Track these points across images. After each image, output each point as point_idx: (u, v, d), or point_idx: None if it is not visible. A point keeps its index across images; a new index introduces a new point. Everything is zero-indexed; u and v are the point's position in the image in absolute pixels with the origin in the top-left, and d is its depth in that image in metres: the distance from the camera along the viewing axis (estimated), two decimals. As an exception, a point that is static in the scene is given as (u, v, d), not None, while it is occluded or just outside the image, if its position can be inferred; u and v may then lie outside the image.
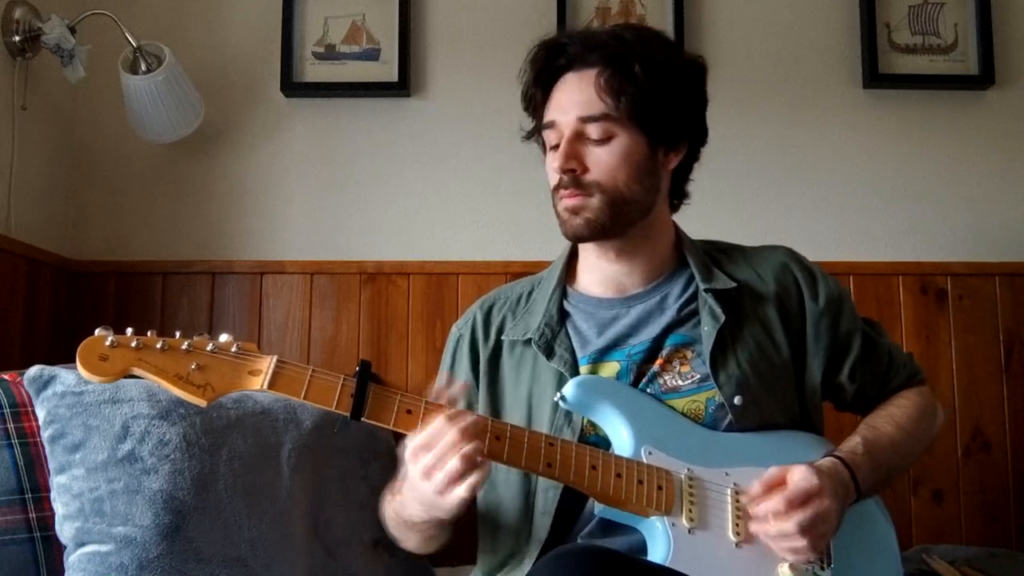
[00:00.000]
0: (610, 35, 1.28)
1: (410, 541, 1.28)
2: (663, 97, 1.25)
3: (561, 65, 1.29)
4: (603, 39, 1.27)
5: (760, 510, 1.13)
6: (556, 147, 1.27)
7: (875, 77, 2.17)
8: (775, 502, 1.12)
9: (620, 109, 1.23)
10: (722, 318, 1.27)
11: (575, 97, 1.26)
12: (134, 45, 1.99)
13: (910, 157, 2.19)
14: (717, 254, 1.38)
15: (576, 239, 1.30)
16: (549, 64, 1.30)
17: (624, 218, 1.26)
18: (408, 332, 2.12)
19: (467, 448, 1.05)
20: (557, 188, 1.28)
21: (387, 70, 2.18)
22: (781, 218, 2.16)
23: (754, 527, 1.14)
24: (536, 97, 1.32)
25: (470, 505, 1.27)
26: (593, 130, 1.24)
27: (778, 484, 1.14)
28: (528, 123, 1.36)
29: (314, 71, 2.19)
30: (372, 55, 2.19)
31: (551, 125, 1.28)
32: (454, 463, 1.04)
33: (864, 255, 2.15)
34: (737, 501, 1.17)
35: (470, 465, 1.05)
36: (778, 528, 1.11)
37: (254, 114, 2.20)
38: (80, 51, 1.95)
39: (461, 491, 1.04)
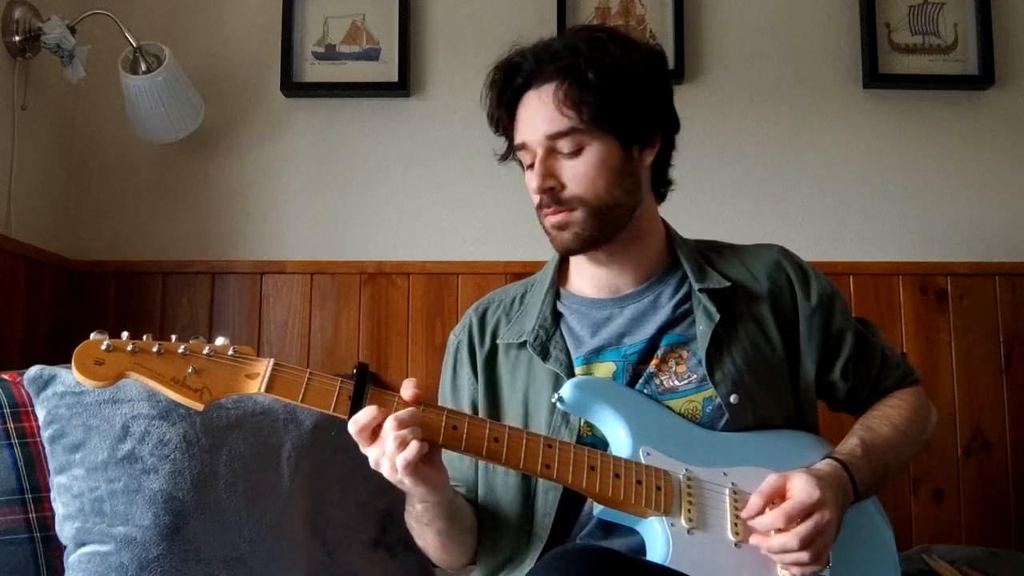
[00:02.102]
0: (562, 46, 1.27)
1: (430, 545, 1.29)
2: (625, 97, 1.24)
3: (520, 85, 1.29)
4: (555, 51, 1.26)
5: (759, 524, 1.13)
6: (530, 166, 1.27)
7: (875, 77, 2.17)
8: (775, 517, 1.11)
9: (584, 120, 1.22)
10: (717, 317, 1.27)
11: (538, 115, 1.25)
12: (134, 45, 1.99)
13: (910, 157, 2.19)
14: (709, 252, 1.38)
15: (567, 253, 1.30)
16: (508, 85, 1.30)
17: (611, 224, 1.27)
18: (408, 332, 2.12)
19: (399, 434, 1.07)
20: (540, 207, 1.28)
21: (387, 70, 2.18)
22: (781, 218, 2.16)
23: (755, 540, 1.13)
24: (502, 119, 1.32)
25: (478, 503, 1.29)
26: (563, 145, 1.24)
27: (777, 495, 1.13)
28: (502, 145, 1.36)
29: (314, 71, 2.19)
30: (372, 55, 2.19)
31: (522, 146, 1.28)
32: (389, 445, 1.07)
33: (864, 255, 2.15)
34: (735, 501, 1.17)
35: (402, 446, 1.07)
36: (780, 543, 1.10)
37: (254, 114, 2.20)
38: (80, 51, 1.95)
39: (400, 463, 1.07)
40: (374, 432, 1.09)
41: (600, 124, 1.23)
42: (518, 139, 1.29)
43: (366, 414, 1.09)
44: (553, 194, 1.25)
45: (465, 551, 1.30)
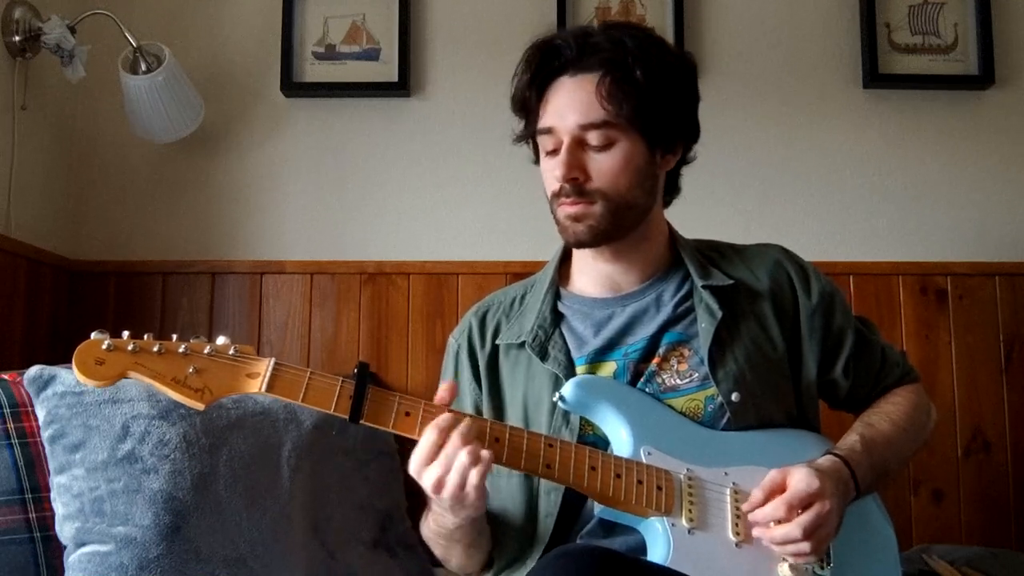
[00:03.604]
0: (607, 39, 1.26)
1: (454, 557, 1.28)
2: (662, 100, 1.24)
3: (556, 68, 1.27)
4: (601, 43, 1.25)
5: (760, 516, 1.13)
6: (552, 152, 1.26)
7: (875, 77, 2.17)
8: (776, 507, 1.12)
9: (622, 116, 1.22)
10: (719, 315, 1.27)
11: (574, 102, 1.24)
12: (134, 45, 1.99)
13: (910, 157, 2.19)
14: (711, 252, 1.38)
15: (578, 245, 1.30)
16: (544, 66, 1.28)
17: (625, 223, 1.26)
18: (408, 332, 2.12)
19: (471, 447, 1.06)
20: (557, 195, 1.26)
21: (387, 70, 2.18)
22: (781, 218, 2.16)
23: (757, 532, 1.14)
24: (530, 100, 1.29)
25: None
26: (593, 137, 1.23)
27: (778, 489, 1.14)
28: (517, 126, 1.34)
29: (314, 71, 2.19)
30: (372, 55, 2.19)
31: (548, 131, 1.26)
32: (462, 458, 1.05)
33: (864, 255, 2.15)
34: (736, 501, 1.17)
35: (476, 460, 1.06)
36: (783, 533, 1.11)
37: (254, 114, 2.20)
38: (80, 51, 1.95)
39: (474, 479, 1.05)
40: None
41: (634, 123, 1.23)
42: (545, 123, 1.27)
43: (430, 438, 1.07)
44: (576, 184, 1.24)
45: (484, 558, 1.30)
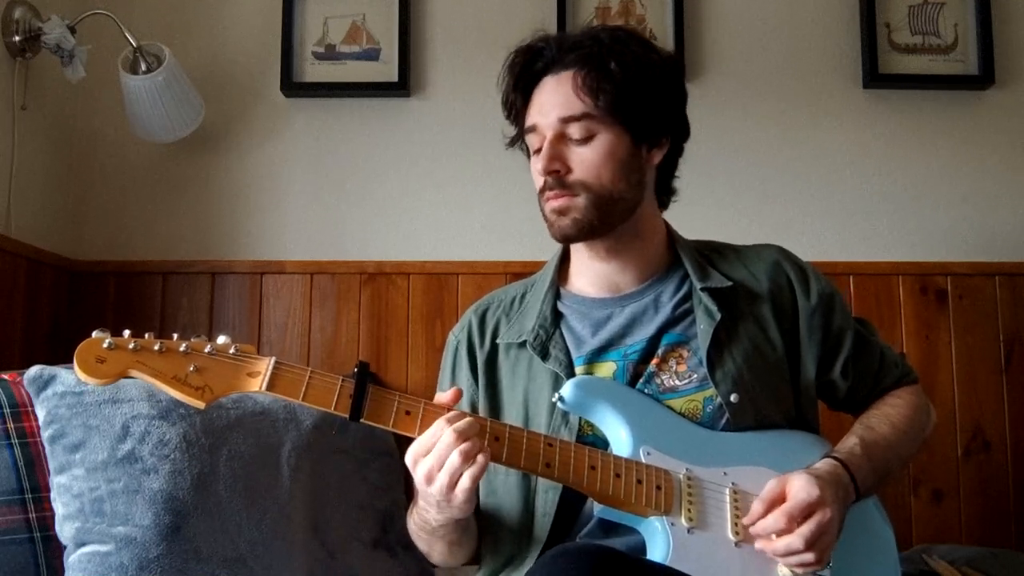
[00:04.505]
0: (585, 36, 1.29)
1: (436, 552, 1.29)
2: (641, 93, 1.25)
3: (539, 70, 1.29)
4: (578, 40, 1.28)
5: (762, 528, 1.13)
6: (539, 151, 1.27)
7: (875, 77, 2.17)
8: (776, 518, 1.11)
9: (599, 107, 1.23)
10: (718, 316, 1.27)
11: (554, 99, 1.26)
12: (134, 45, 1.99)
13: (910, 157, 2.19)
14: (710, 253, 1.38)
15: (564, 240, 1.30)
16: (527, 69, 1.30)
17: (611, 216, 1.27)
18: (408, 332, 2.12)
19: (464, 445, 1.06)
20: (543, 190, 1.28)
21: (387, 70, 2.18)
22: (781, 218, 2.16)
23: (760, 545, 1.14)
24: (516, 103, 1.32)
25: (477, 505, 1.28)
26: (574, 130, 1.25)
27: (778, 499, 1.13)
28: (511, 130, 1.37)
29: (314, 71, 2.19)
30: (372, 55, 2.19)
31: (533, 129, 1.28)
32: (454, 458, 1.05)
33: (864, 255, 2.15)
34: (735, 500, 1.17)
35: (469, 460, 1.06)
36: (785, 544, 1.10)
37: (254, 114, 2.20)
38: (80, 51, 1.95)
39: (465, 482, 1.06)
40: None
41: (614, 114, 1.24)
42: (529, 121, 1.29)
43: (437, 431, 1.07)
44: (558, 177, 1.25)
45: (468, 554, 1.31)
